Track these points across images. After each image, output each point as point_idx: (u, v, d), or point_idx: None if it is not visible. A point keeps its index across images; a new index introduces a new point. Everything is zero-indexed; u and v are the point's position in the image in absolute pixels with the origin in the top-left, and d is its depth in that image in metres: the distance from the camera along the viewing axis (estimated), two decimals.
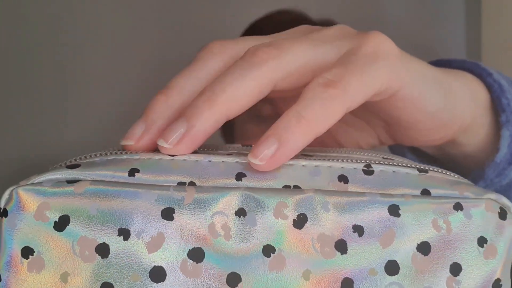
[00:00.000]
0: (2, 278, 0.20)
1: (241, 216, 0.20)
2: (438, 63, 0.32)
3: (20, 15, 0.91)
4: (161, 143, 0.21)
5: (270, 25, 0.59)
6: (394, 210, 0.21)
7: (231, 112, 0.22)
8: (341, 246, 0.20)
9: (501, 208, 0.22)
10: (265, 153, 0.20)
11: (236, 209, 0.20)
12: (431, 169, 0.23)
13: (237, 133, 0.60)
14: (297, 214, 0.20)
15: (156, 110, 0.22)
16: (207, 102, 0.21)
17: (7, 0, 0.90)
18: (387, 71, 0.23)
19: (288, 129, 0.21)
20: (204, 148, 0.24)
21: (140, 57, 0.91)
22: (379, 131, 0.30)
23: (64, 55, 0.90)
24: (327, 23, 0.59)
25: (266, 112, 0.55)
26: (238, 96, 0.21)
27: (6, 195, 0.20)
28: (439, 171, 0.23)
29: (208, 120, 0.21)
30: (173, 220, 0.20)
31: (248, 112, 0.63)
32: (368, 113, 0.29)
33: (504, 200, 0.22)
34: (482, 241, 0.21)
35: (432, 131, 0.27)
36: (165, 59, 0.83)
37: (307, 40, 0.23)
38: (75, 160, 0.22)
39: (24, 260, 0.20)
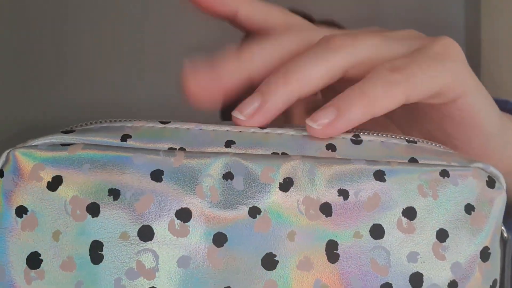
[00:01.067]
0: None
1: (228, 179, 0.21)
2: None
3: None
4: (236, 114, 0.22)
5: None
6: (379, 176, 0.21)
7: (303, 91, 0.22)
8: (326, 209, 0.21)
9: (489, 177, 0.22)
10: (322, 120, 0.21)
11: (223, 173, 0.21)
12: (420, 140, 0.23)
13: None
14: (283, 178, 0.21)
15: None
16: (281, 79, 0.22)
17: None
18: (452, 72, 0.23)
19: (348, 101, 0.21)
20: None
21: (141, 57, 0.92)
22: None
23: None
24: (329, 23, 0.60)
25: None
26: (311, 77, 0.22)
27: (3, 157, 0.21)
28: (429, 142, 0.23)
29: (281, 97, 0.22)
30: (162, 182, 0.20)
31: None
32: (414, 122, 0.27)
33: (492, 169, 0.22)
34: (469, 208, 0.21)
35: (480, 157, 0.25)
36: (167, 58, 0.85)
37: (380, 35, 0.24)
38: (71, 127, 0.23)
39: (18, 219, 0.20)
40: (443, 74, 0.23)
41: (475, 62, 0.83)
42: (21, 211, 0.20)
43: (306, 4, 0.64)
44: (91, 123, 0.23)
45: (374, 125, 0.28)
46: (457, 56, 0.23)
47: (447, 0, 0.87)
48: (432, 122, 0.25)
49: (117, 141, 0.21)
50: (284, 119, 0.55)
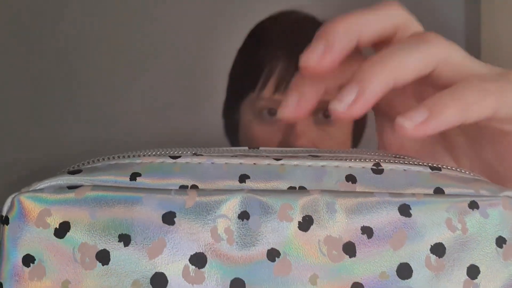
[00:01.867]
0: (4, 287, 0.19)
1: (244, 219, 0.20)
2: None
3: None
4: (335, 105, 0.21)
5: (277, 25, 0.59)
6: (405, 210, 0.20)
7: (398, 79, 0.22)
8: (349, 249, 0.19)
9: None
10: (416, 119, 0.21)
11: (239, 212, 0.20)
12: (444, 166, 0.22)
13: (241, 133, 0.60)
14: (302, 216, 0.20)
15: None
16: (377, 67, 0.22)
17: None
18: None
19: (441, 103, 0.21)
20: (209, 151, 0.23)
21: (143, 56, 0.91)
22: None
23: (69, 58, 0.91)
24: None
25: (270, 110, 0.55)
26: (406, 65, 0.22)
27: (8, 203, 0.20)
28: (453, 168, 0.22)
29: (378, 83, 0.21)
30: (174, 225, 0.19)
31: (253, 111, 0.62)
32: (475, 152, 0.26)
33: None
34: (500, 241, 0.20)
35: None
36: (173, 58, 0.84)
37: (471, 58, 0.24)
38: (78, 166, 0.22)
39: (25, 269, 0.19)
40: None
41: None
42: (28, 259, 0.19)
43: (307, 5, 0.63)
44: (98, 160, 0.22)
45: (429, 156, 0.27)
46: None
47: (447, 0, 0.85)
48: (497, 154, 0.24)
49: (126, 180, 0.20)
50: (289, 129, 0.54)
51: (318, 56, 0.22)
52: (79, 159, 0.22)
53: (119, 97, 0.91)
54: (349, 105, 0.21)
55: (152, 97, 0.91)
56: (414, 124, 0.20)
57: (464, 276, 0.20)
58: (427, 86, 0.24)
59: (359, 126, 0.58)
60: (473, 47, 0.82)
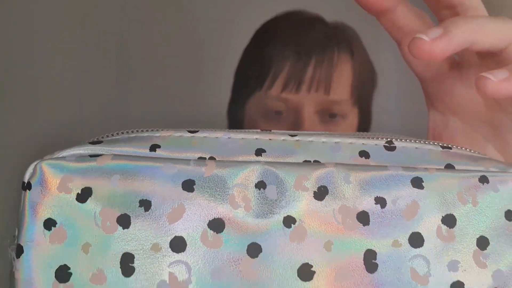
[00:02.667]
0: (25, 250, 0.20)
1: (261, 189, 0.20)
2: None
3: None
4: (421, 35, 0.22)
5: (285, 24, 0.60)
6: (417, 183, 0.20)
7: (479, 40, 0.23)
8: (363, 218, 0.20)
9: None
10: (501, 76, 0.22)
11: (256, 182, 0.20)
12: (454, 146, 0.23)
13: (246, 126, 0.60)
14: (317, 186, 0.20)
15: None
16: (463, 20, 0.23)
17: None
18: None
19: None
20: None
21: (145, 56, 0.92)
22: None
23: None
24: (341, 26, 0.59)
25: (277, 109, 0.55)
26: (489, 30, 0.23)
27: (30, 169, 0.20)
28: (463, 148, 0.23)
29: (462, 33, 0.22)
30: (194, 192, 0.20)
31: (260, 110, 0.62)
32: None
33: None
34: (509, 215, 0.21)
35: None
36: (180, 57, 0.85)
37: None
38: (98, 138, 0.22)
39: (46, 232, 0.20)
40: None
41: None
42: (49, 223, 0.20)
43: (307, 5, 0.64)
44: (117, 134, 0.22)
45: (485, 142, 0.27)
46: None
47: None
48: None
49: (146, 151, 0.21)
50: (294, 120, 0.54)
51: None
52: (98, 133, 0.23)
53: (125, 94, 0.92)
54: (433, 39, 0.22)
55: (155, 93, 0.92)
56: (499, 80, 0.21)
57: (474, 247, 0.20)
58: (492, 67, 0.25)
59: (363, 127, 0.59)
60: None
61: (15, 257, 0.20)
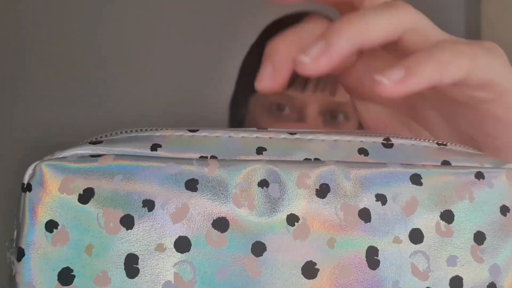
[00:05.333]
0: (26, 253, 0.20)
1: (264, 187, 0.20)
2: None
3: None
4: (301, 58, 0.22)
5: (292, 23, 0.60)
6: (416, 179, 0.21)
7: (366, 40, 0.22)
8: (364, 215, 0.20)
9: None
10: (394, 76, 0.21)
11: (258, 181, 0.20)
12: (449, 143, 0.23)
13: (247, 126, 0.60)
14: (319, 184, 0.20)
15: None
16: (346, 24, 0.22)
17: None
18: (504, 65, 0.23)
19: (417, 61, 0.21)
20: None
21: (149, 58, 0.92)
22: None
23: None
24: None
25: (279, 102, 0.55)
26: (375, 26, 0.22)
27: (29, 170, 0.20)
28: (458, 145, 0.23)
29: (345, 40, 0.22)
30: (197, 191, 0.20)
31: (262, 106, 0.62)
32: (450, 123, 0.27)
33: None
34: (504, 210, 0.21)
35: None
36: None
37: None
38: (97, 138, 0.22)
39: (48, 234, 0.20)
40: (497, 63, 0.23)
41: None
42: (51, 225, 0.20)
43: (307, 6, 0.64)
44: (116, 133, 0.22)
45: (408, 131, 0.27)
46: (504, 55, 0.24)
47: (447, 0, 0.88)
48: (472, 123, 0.25)
49: (147, 151, 0.21)
50: (297, 118, 0.55)
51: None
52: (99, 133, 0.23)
53: (129, 90, 0.91)
54: (315, 58, 0.22)
55: (156, 88, 0.91)
56: (392, 81, 0.21)
57: (472, 242, 0.21)
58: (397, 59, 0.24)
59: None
60: None
61: (15, 261, 0.20)
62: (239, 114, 0.61)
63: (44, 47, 0.92)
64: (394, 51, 0.24)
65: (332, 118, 0.56)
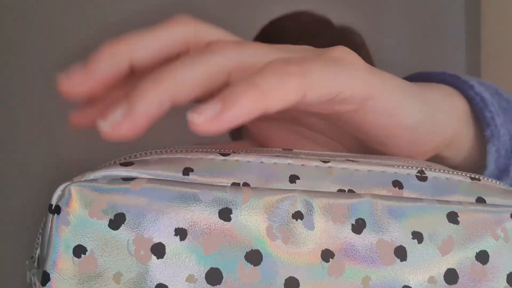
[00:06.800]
0: (51, 278, 0.19)
1: (298, 219, 0.20)
2: (419, 76, 0.31)
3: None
4: (100, 124, 0.19)
5: (290, 24, 0.59)
6: (452, 217, 0.20)
7: (178, 96, 0.20)
8: (400, 253, 0.20)
9: None
10: (207, 112, 0.18)
11: (293, 212, 0.20)
12: (482, 177, 0.23)
13: (246, 129, 0.59)
14: (355, 219, 0.20)
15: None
16: (151, 83, 0.19)
17: None
18: (352, 75, 0.21)
19: (235, 92, 0.19)
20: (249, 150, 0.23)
21: None
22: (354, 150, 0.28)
23: None
24: (348, 30, 0.59)
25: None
26: (186, 79, 0.20)
27: (58, 191, 0.19)
28: (490, 180, 0.23)
29: (151, 101, 0.19)
30: (231, 221, 0.19)
31: None
32: (342, 133, 0.26)
33: None
34: None
35: (412, 146, 0.25)
36: None
37: (272, 45, 0.22)
38: (126, 158, 0.21)
39: (75, 259, 0.19)
40: (342, 76, 0.21)
41: (475, 62, 0.83)
42: (79, 250, 0.19)
43: (308, 6, 0.64)
44: (145, 154, 0.22)
45: (301, 138, 0.27)
46: (355, 61, 0.22)
47: (447, 0, 0.87)
48: (357, 130, 0.24)
49: (179, 175, 0.20)
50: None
51: (75, 79, 0.20)
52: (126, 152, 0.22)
53: None
54: (116, 124, 0.19)
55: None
56: (205, 118, 0.18)
57: (504, 283, 0.21)
58: None
59: None
60: (473, 47, 0.83)
61: (37, 282, 0.19)
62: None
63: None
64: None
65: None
